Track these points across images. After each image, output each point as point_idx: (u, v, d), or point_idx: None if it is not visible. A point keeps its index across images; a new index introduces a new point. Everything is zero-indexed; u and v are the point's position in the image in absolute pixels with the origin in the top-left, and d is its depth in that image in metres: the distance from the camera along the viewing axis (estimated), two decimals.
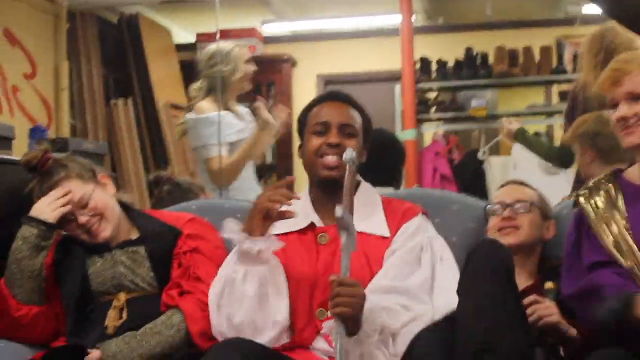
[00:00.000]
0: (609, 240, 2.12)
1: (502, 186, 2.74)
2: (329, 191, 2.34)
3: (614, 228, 2.13)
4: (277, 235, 2.25)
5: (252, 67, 4.11)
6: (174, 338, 2.28)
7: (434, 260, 2.30)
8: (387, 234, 2.33)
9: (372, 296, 2.10)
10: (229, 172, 3.93)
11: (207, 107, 3.99)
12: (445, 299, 2.18)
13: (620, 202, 2.17)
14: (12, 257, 2.39)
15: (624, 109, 2.17)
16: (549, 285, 2.38)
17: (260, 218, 2.19)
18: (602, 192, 2.21)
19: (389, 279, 2.22)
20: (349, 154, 2.17)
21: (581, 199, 2.24)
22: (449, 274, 2.25)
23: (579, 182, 3.32)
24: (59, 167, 2.49)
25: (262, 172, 4.52)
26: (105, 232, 2.46)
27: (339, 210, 2.01)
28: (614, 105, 2.20)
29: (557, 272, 2.35)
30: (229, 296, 2.22)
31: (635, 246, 2.08)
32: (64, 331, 2.42)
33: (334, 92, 2.53)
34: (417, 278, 2.24)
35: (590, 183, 2.28)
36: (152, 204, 3.74)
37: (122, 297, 2.39)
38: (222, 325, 2.23)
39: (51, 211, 2.40)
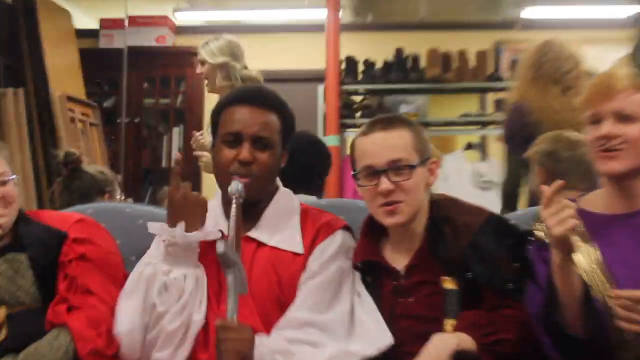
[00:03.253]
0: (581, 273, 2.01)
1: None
2: None
3: (582, 261, 2.04)
4: None
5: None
6: None
7: (353, 292, 2.27)
8: (300, 250, 2.28)
9: (274, 334, 2.13)
10: None
11: None
12: (362, 344, 2.16)
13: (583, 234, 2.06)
14: None
15: (608, 126, 2.07)
16: (448, 284, 2.16)
17: (197, 209, 2.20)
18: None
19: (306, 311, 2.19)
20: (235, 186, 2.16)
21: (540, 234, 2.14)
22: (369, 317, 2.22)
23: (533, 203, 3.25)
24: None
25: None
26: (3, 218, 2.36)
27: (220, 246, 1.97)
28: (595, 122, 2.10)
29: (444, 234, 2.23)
30: (160, 303, 2.18)
31: (604, 279, 2.02)
32: None
33: (249, 94, 2.38)
34: (337, 311, 2.21)
35: None
36: (50, 194, 3.62)
37: (2, 312, 2.29)
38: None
39: None
